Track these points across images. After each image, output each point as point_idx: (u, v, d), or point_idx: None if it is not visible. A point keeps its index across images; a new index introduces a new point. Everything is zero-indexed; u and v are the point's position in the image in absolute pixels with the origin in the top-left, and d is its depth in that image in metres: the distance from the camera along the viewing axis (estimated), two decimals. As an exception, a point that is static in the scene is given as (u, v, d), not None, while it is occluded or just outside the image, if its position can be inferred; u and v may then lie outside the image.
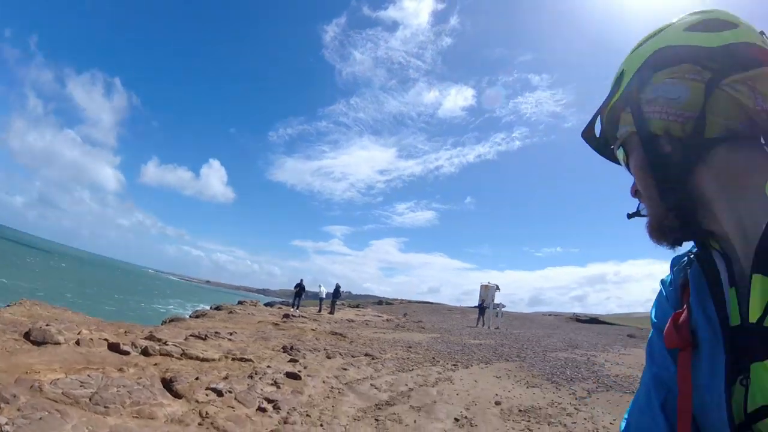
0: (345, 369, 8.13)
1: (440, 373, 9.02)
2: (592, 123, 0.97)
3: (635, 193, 0.91)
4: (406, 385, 7.59)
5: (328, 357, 8.92)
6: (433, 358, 11.11)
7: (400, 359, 10.27)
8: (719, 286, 0.75)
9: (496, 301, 33.32)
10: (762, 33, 0.79)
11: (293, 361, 7.85)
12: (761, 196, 0.67)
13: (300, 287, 26.28)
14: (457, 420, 5.88)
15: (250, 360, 7.34)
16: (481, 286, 34.32)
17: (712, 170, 0.75)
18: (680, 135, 0.77)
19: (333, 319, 21.15)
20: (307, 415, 5.30)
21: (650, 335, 0.93)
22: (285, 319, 17.20)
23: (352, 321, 21.86)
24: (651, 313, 0.97)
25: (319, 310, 27.46)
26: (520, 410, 6.67)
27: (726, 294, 0.74)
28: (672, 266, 0.97)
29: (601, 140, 0.98)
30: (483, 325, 29.41)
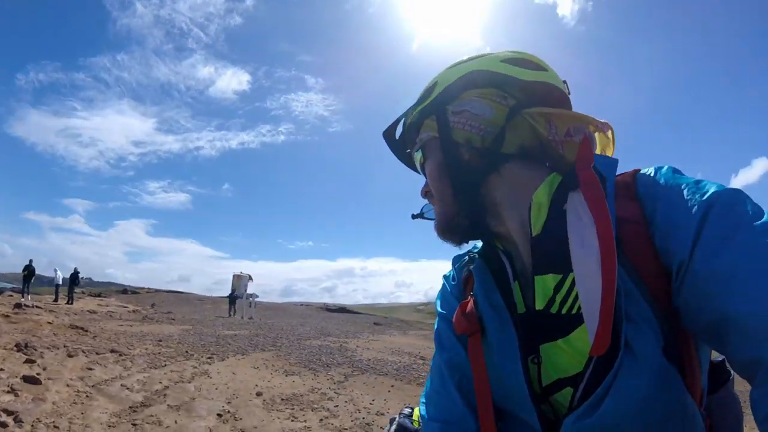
0: (90, 369, 7.25)
1: (196, 368, 8.73)
2: (394, 125, 1.03)
3: (425, 194, 0.99)
4: (161, 382, 7.16)
5: (70, 355, 7.82)
6: (187, 351, 10.62)
7: (150, 354, 9.57)
8: (505, 279, 0.87)
9: (249, 291, 33.20)
10: (564, 82, 0.91)
11: (30, 361, 6.68)
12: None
13: (29, 270, 22.31)
14: (220, 415, 5.84)
15: None
16: (234, 276, 33.82)
17: (503, 180, 0.86)
18: (479, 146, 0.86)
19: (72, 310, 18.39)
20: (55, 427, 4.63)
21: (437, 325, 1.01)
22: (17, 310, 14.55)
23: (95, 312, 19.32)
24: (436, 305, 1.06)
25: (56, 299, 23.68)
26: (282, 399, 6.95)
27: (512, 287, 0.86)
28: (454, 263, 1.08)
29: (399, 142, 1.05)
30: (235, 315, 29.11)
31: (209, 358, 10.06)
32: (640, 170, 0.80)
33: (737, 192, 0.67)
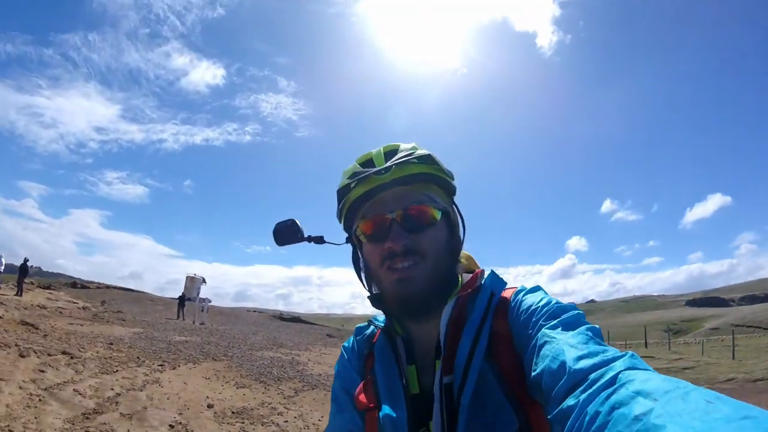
0: (43, 371, 7.20)
1: (147, 375, 8.77)
2: (393, 152, 1.08)
3: (404, 247, 0.98)
4: (113, 389, 7.21)
5: (22, 355, 7.71)
6: (138, 357, 10.59)
7: (102, 358, 9.51)
8: (401, 364, 1.01)
9: (202, 295, 32.56)
10: None
11: (-22, 362, 6.66)
12: None
13: None
14: (172, 426, 5.98)
15: None
16: (187, 278, 33.24)
17: None
18: (460, 239, 1.13)
19: (22, 304, 17.56)
20: (10, 431, 4.73)
21: (335, 389, 1.14)
22: None
23: (44, 308, 18.37)
24: (335, 369, 1.20)
25: None
26: (233, 412, 7.10)
27: (404, 370, 1.00)
28: (356, 335, 1.21)
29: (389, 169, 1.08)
30: (184, 319, 28.48)
31: (161, 365, 10.06)
32: (516, 288, 1.02)
33: (567, 305, 0.88)
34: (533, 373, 0.78)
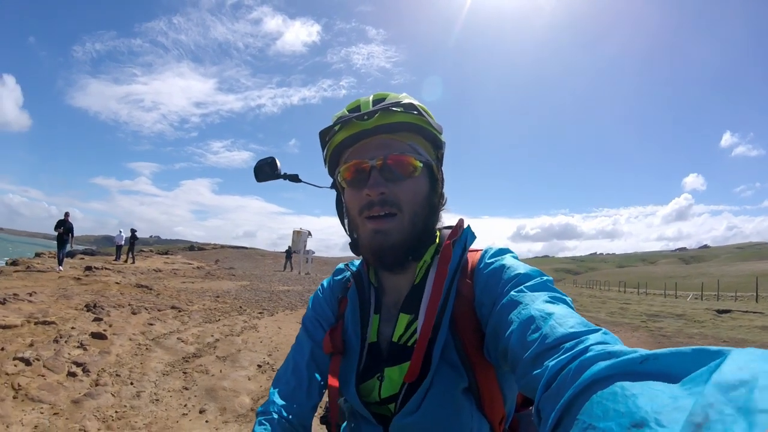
0: (151, 324, 8.21)
1: (246, 322, 9.55)
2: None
3: (381, 196, 0.98)
4: (213, 336, 7.97)
5: (134, 313, 8.81)
6: (240, 307, 11.55)
7: (207, 310, 10.57)
8: (367, 313, 1.08)
9: (308, 247, 34.33)
10: None
11: (98, 320, 7.63)
12: None
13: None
14: (260, 366, 6.53)
15: (54, 323, 6.98)
16: (294, 232, 34.82)
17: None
18: (441, 192, 1.11)
19: (139, 270, 19.84)
20: (117, 375, 5.50)
21: (307, 315, 1.21)
22: (87, 273, 15.83)
23: (160, 270, 20.79)
24: (309, 302, 1.25)
25: (116, 258, 25.58)
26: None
27: (370, 318, 1.07)
28: (335, 274, 1.27)
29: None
30: (291, 270, 30.30)
31: (260, 313, 10.95)
32: (483, 249, 1.04)
33: (533, 271, 0.88)
34: (502, 338, 0.79)
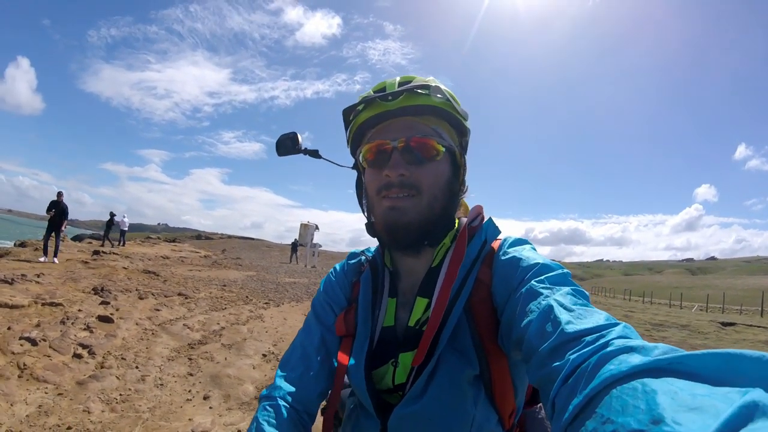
0: (158, 310, 8.23)
1: (252, 312, 9.57)
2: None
3: (400, 177, 0.96)
4: (218, 324, 7.97)
5: (141, 298, 8.84)
6: (247, 296, 11.60)
7: (213, 298, 10.59)
8: (381, 297, 1.05)
9: (315, 240, 34.42)
10: None
11: (105, 303, 7.68)
12: None
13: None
14: (264, 355, 6.53)
15: (61, 304, 7.02)
16: (301, 225, 34.93)
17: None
18: (463, 178, 1.09)
19: (147, 256, 19.96)
20: (123, 358, 5.50)
21: (317, 299, 1.19)
22: (95, 257, 15.97)
23: (167, 258, 20.93)
24: (320, 285, 1.22)
25: (120, 243, 25.42)
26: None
27: (385, 302, 1.04)
28: (349, 258, 1.24)
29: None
30: (297, 263, 30.40)
31: (266, 303, 10.99)
32: (501, 240, 1.02)
33: (553, 263, 0.86)
34: (517, 327, 0.77)
